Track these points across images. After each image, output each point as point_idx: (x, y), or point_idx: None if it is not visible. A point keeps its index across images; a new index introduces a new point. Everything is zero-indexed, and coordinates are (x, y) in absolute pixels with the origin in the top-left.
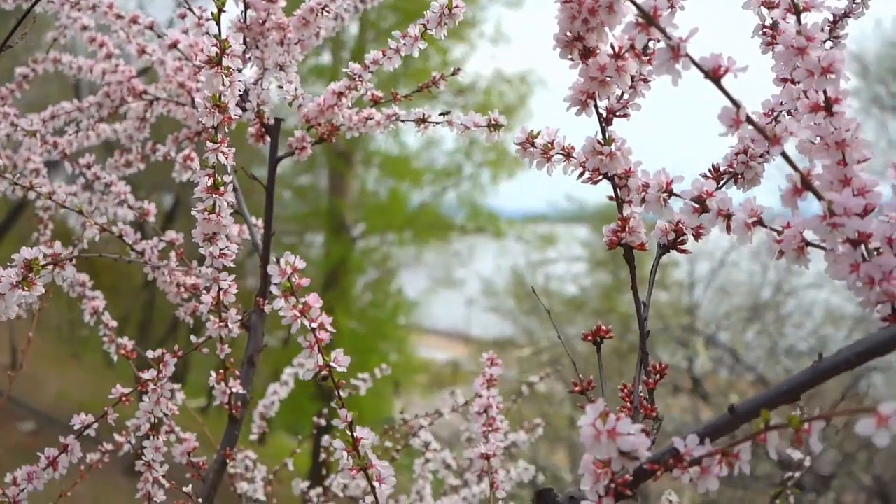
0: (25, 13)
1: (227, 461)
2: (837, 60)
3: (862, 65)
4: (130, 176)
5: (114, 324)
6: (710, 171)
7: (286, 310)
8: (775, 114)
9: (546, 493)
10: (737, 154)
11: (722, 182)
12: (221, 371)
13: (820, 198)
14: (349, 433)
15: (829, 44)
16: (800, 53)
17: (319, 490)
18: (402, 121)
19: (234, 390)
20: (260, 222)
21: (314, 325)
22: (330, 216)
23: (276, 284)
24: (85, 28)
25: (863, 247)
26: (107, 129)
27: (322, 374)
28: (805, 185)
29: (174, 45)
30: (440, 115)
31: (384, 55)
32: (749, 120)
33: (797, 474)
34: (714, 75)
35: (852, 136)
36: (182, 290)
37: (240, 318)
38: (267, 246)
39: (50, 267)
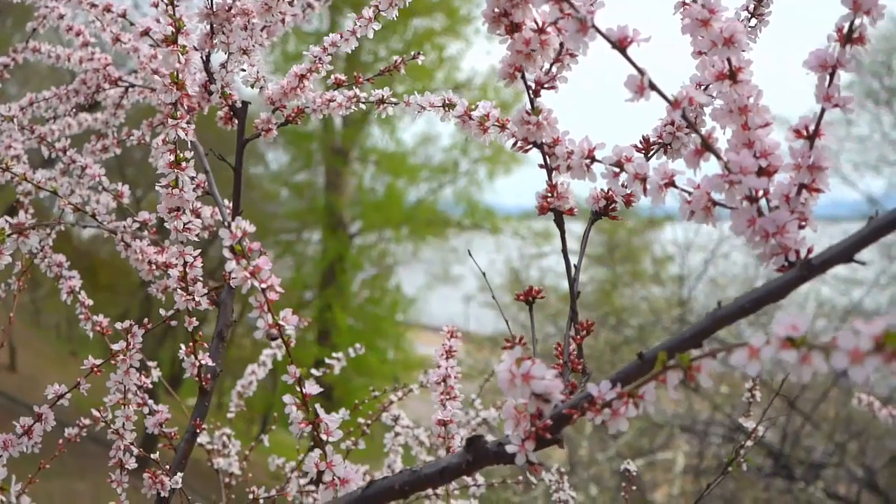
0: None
1: (198, 431)
2: (738, 31)
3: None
4: (128, 175)
5: (90, 302)
6: (640, 141)
7: (237, 271)
8: (703, 87)
9: (476, 440)
10: (665, 125)
11: (652, 152)
12: (191, 344)
13: (719, 158)
14: (298, 389)
15: (753, 21)
16: (704, 25)
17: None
18: (364, 102)
19: (203, 363)
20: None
21: (264, 286)
22: (327, 213)
23: (226, 247)
24: (62, 17)
25: (763, 203)
26: (88, 118)
27: (271, 333)
28: (705, 146)
29: (146, 33)
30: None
31: (341, 37)
32: (652, 86)
33: (749, 443)
34: (620, 45)
35: (754, 102)
36: (153, 267)
37: (206, 291)
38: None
39: (14, 236)
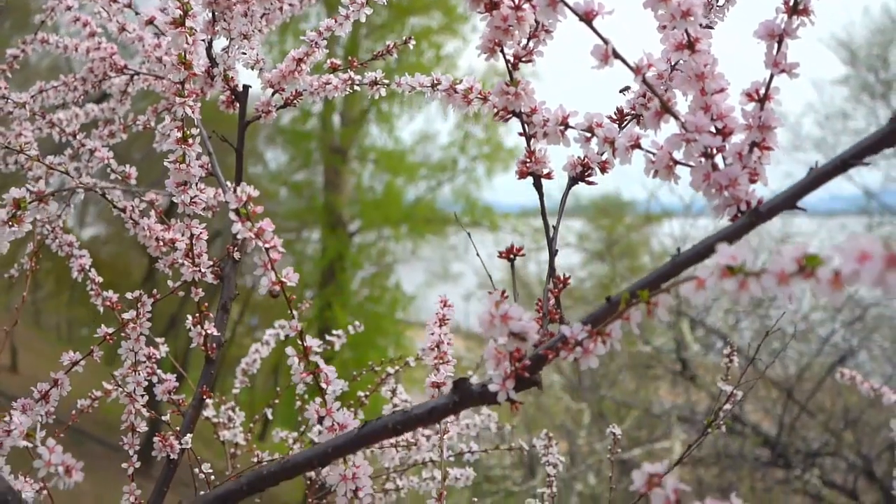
0: None
1: (204, 398)
2: (695, 5)
3: (850, 52)
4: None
5: (100, 279)
6: (614, 112)
7: (243, 232)
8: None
9: (461, 382)
10: (637, 97)
11: (626, 122)
12: (197, 315)
13: (677, 119)
14: (300, 342)
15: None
16: (662, 0)
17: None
18: (358, 84)
19: (208, 332)
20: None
21: (268, 245)
22: (326, 212)
23: (233, 210)
24: (69, 8)
25: (719, 160)
26: (94, 108)
27: (274, 290)
28: (664, 108)
29: (150, 22)
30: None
31: (336, 21)
32: (615, 54)
33: (728, 406)
34: (587, 18)
35: (710, 69)
36: (161, 244)
37: (211, 263)
38: None
39: (35, 203)
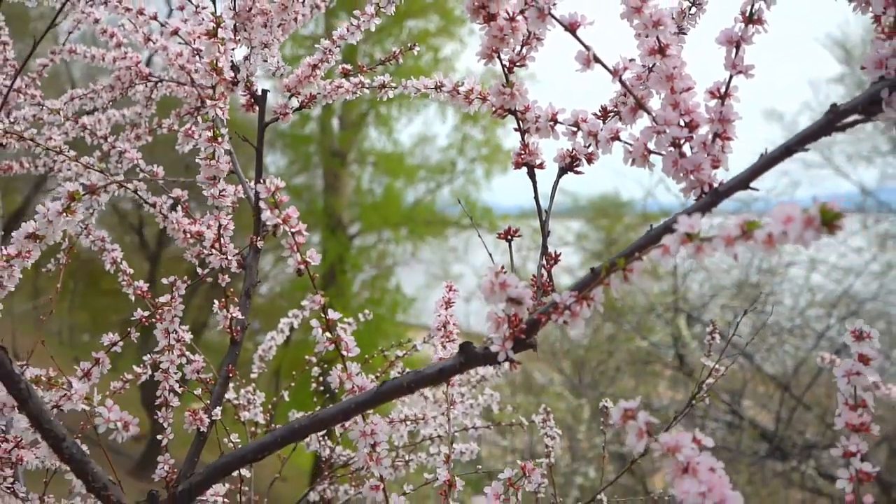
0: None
1: (230, 376)
2: (664, 16)
3: (845, 51)
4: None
5: (130, 270)
6: (599, 110)
7: (272, 218)
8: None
9: (467, 345)
10: (619, 96)
11: (609, 118)
12: (223, 299)
13: (649, 114)
14: (323, 315)
15: (693, 9)
16: (637, 12)
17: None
18: (367, 87)
19: (234, 316)
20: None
21: (294, 230)
22: (326, 215)
23: (262, 199)
24: (97, 21)
25: (687, 148)
26: (115, 114)
27: (300, 269)
28: (639, 105)
29: (175, 32)
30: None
31: (348, 30)
32: (596, 59)
33: (710, 381)
34: (572, 28)
35: (678, 71)
36: (188, 236)
37: (237, 252)
38: (258, 197)
39: (88, 195)
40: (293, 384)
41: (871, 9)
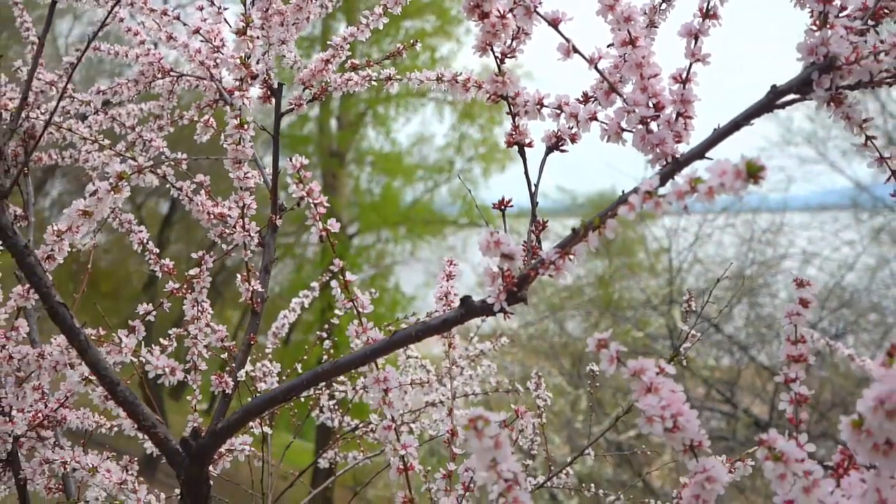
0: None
1: (252, 343)
2: (634, 12)
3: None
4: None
5: (157, 250)
6: (581, 95)
7: (297, 191)
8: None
9: (467, 298)
10: (597, 82)
11: (589, 102)
12: (245, 273)
13: (621, 96)
14: (342, 276)
15: (664, 5)
16: (611, 9)
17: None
18: (374, 81)
19: (255, 289)
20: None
21: (316, 202)
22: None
23: (290, 175)
24: (122, 20)
25: (653, 126)
26: (135, 109)
27: (322, 236)
28: (612, 89)
29: (197, 31)
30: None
31: (357, 29)
32: (575, 49)
33: (688, 344)
34: (554, 23)
35: (646, 59)
36: (211, 217)
37: (259, 229)
38: (275, 181)
39: (135, 174)
40: (305, 357)
41: (808, 5)
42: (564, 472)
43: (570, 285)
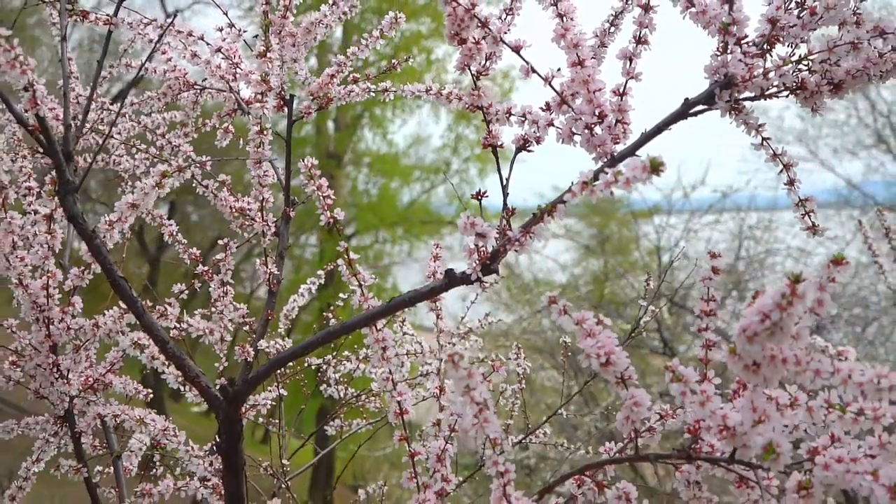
0: (154, 44)
1: (269, 318)
2: (582, 40)
3: None
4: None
5: (185, 241)
6: (544, 104)
7: (310, 186)
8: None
9: (450, 271)
10: (554, 96)
11: (551, 111)
12: (263, 258)
13: (570, 107)
14: (346, 256)
15: (612, 28)
16: (562, 37)
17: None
18: (374, 92)
19: (272, 272)
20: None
21: (325, 195)
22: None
23: (302, 173)
24: (150, 41)
25: (597, 130)
26: (157, 118)
27: (329, 222)
28: (563, 101)
29: (219, 50)
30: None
31: (359, 48)
32: (533, 70)
33: (647, 318)
34: (516, 49)
35: (592, 76)
36: (232, 210)
37: (275, 220)
38: (288, 180)
39: (177, 172)
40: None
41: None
42: (542, 431)
43: (565, 283)
